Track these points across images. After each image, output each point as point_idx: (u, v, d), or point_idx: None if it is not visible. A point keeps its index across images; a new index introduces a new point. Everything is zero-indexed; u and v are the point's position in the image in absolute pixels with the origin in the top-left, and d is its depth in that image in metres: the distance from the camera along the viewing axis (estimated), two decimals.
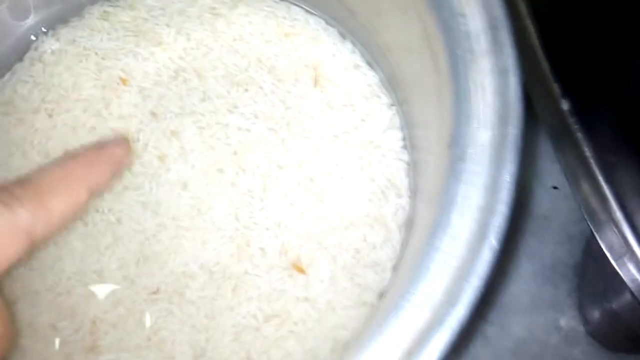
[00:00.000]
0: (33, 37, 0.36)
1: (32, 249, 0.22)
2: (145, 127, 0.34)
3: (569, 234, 0.35)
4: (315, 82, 0.34)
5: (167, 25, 0.36)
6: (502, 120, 0.20)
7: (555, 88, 0.28)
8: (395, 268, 0.30)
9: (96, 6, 0.37)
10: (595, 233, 0.26)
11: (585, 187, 0.26)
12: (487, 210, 0.20)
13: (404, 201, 0.31)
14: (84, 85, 0.35)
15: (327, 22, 0.35)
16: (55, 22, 0.37)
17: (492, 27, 0.21)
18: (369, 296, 0.30)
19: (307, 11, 0.36)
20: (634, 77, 0.27)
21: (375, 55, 0.34)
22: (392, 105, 0.33)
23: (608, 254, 0.25)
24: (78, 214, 0.25)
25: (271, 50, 0.35)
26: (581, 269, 0.34)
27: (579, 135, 0.26)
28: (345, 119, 0.33)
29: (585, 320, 0.34)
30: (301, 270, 0.30)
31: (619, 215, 0.25)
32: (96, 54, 0.36)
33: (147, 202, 0.32)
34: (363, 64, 0.34)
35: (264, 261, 0.30)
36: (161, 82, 0.35)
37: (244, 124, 0.33)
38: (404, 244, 0.30)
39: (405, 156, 0.32)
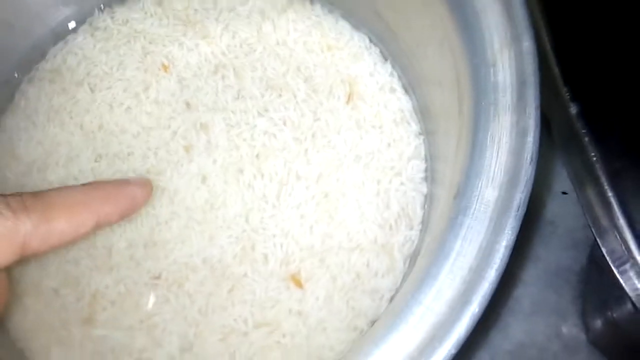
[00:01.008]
0: (89, 13, 0.37)
1: (21, 260, 0.22)
2: (177, 116, 0.35)
3: (575, 240, 0.35)
4: (349, 98, 0.34)
5: (216, 20, 0.36)
6: (511, 182, 0.20)
7: (565, 92, 0.28)
8: (393, 299, 0.30)
9: None
10: (597, 239, 0.25)
11: (590, 192, 0.26)
12: (477, 273, 0.19)
13: (414, 234, 0.31)
14: (128, 65, 0.36)
15: (370, 41, 0.35)
16: (112, 0, 0.38)
17: (521, 83, 0.21)
18: (361, 322, 0.30)
19: (354, 27, 0.36)
20: None
21: (411, 81, 0.33)
22: (420, 134, 0.33)
23: (609, 261, 0.25)
24: (78, 240, 0.25)
25: (311, 60, 0.35)
26: (585, 276, 0.34)
27: (586, 139, 0.26)
28: (372, 140, 0.33)
29: (587, 329, 0.33)
30: (299, 284, 0.30)
31: (622, 222, 0.25)
32: (144, 37, 0.37)
33: (166, 188, 0.33)
34: (399, 88, 0.34)
35: (264, 268, 0.31)
36: (200, 75, 0.35)
37: (271, 128, 0.34)
38: (407, 276, 0.30)
39: (424, 188, 0.32)
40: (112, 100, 0.35)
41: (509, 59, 0.21)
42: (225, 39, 0.36)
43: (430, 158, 0.32)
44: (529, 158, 0.20)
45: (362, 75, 0.34)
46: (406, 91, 0.34)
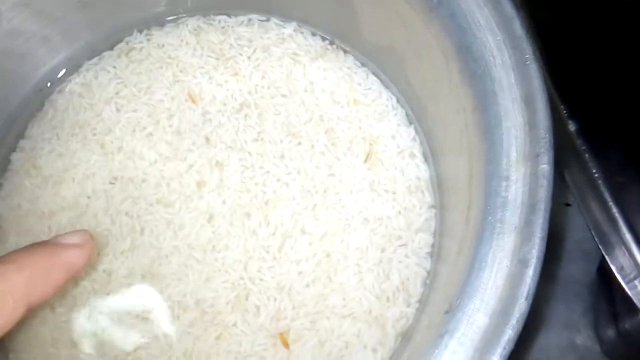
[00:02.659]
0: (128, 32, 0.38)
1: None
2: (195, 149, 0.35)
3: (582, 252, 0.34)
4: (367, 157, 0.34)
5: (248, 58, 0.36)
6: (503, 314, 0.19)
7: (562, 110, 0.28)
8: None
9: (193, 19, 0.38)
10: (605, 255, 0.25)
11: (595, 208, 0.26)
12: None
13: (410, 311, 0.30)
14: (156, 91, 0.36)
15: (398, 101, 0.34)
16: (152, 23, 0.38)
17: (530, 206, 0.20)
18: None
19: (384, 84, 0.35)
20: None
21: (433, 150, 0.33)
22: (433, 207, 0.32)
23: (618, 276, 0.25)
24: (9, 328, 0.22)
25: (335, 112, 0.35)
26: (595, 288, 0.33)
27: (587, 156, 0.26)
28: (383, 205, 0.32)
29: (601, 340, 0.33)
30: (285, 344, 0.30)
31: (628, 237, 0.25)
32: (177, 65, 0.37)
33: (172, 221, 0.33)
34: (419, 155, 0.33)
35: (255, 320, 0.31)
36: (224, 111, 0.36)
37: (285, 177, 0.33)
38: (396, 355, 0.29)
39: (428, 264, 0.31)
40: (136, 123, 0.36)
41: (523, 177, 0.20)
42: (255, 79, 0.36)
43: (440, 234, 0.31)
44: (524, 293, 0.19)
45: (384, 136, 0.34)
46: (426, 159, 0.33)
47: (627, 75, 0.27)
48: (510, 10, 0.23)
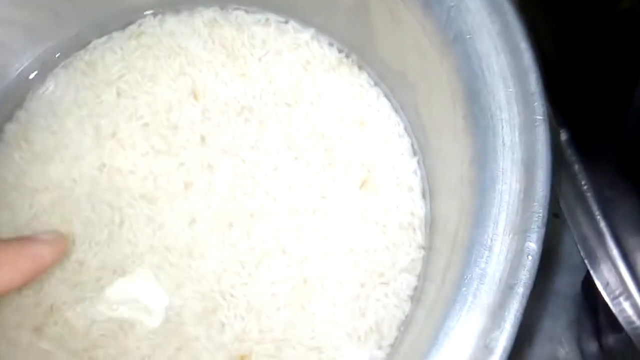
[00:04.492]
0: (141, 14, 0.37)
1: None
2: (189, 147, 0.33)
3: (568, 264, 0.34)
4: (363, 184, 0.32)
5: (259, 60, 0.35)
6: None
7: (554, 118, 0.27)
8: None
9: (209, 10, 0.37)
10: (591, 270, 0.25)
11: (582, 221, 0.26)
12: None
13: (381, 355, 0.28)
14: (159, 81, 0.35)
15: (405, 129, 0.33)
16: (167, 7, 0.37)
17: (508, 286, 0.18)
18: None
19: (394, 108, 0.33)
20: (630, 120, 0.26)
21: (432, 188, 0.31)
22: (422, 248, 0.30)
23: (603, 293, 0.24)
24: None
25: (339, 131, 0.33)
26: (579, 301, 0.33)
27: (576, 167, 0.26)
28: (370, 237, 0.31)
29: (583, 354, 0.33)
30: None
31: (615, 252, 0.24)
32: (185, 56, 0.35)
33: (153, 219, 0.32)
34: (417, 190, 0.31)
35: (218, 337, 0.29)
36: (225, 112, 0.34)
37: (275, 191, 0.32)
38: None
39: (407, 308, 0.29)
40: (134, 111, 0.35)
41: (507, 251, 0.19)
42: (262, 82, 0.34)
43: (425, 277, 0.29)
44: None
45: (384, 165, 0.32)
46: (423, 196, 0.31)
47: (621, 86, 0.26)
48: (528, 62, 0.21)
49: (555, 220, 0.34)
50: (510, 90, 0.21)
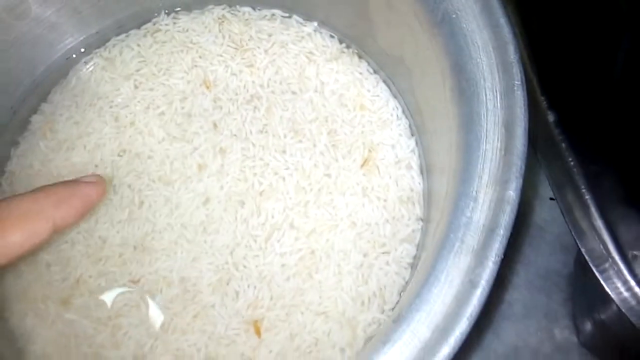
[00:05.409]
0: (156, 13, 0.39)
1: None
2: (202, 134, 0.36)
3: (563, 244, 0.36)
4: (364, 163, 0.34)
5: (265, 52, 0.37)
6: (444, 330, 0.20)
7: (542, 101, 0.29)
8: None
9: (219, 8, 0.39)
10: (577, 240, 0.26)
11: (569, 195, 0.27)
12: None
13: (383, 318, 0.30)
14: (174, 73, 0.38)
15: (403, 112, 0.35)
16: (180, 7, 0.40)
17: (490, 230, 0.20)
18: None
19: (392, 93, 0.36)
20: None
21: (429, 165, 0.33)
22: (421, 220, 0.32)
23: (589, 261, 0.26)
24: (39, 247, 0.26)
25: (341, 115, 0.35)
26: (573, 279, 0.35)
27: (563, 145, 0.28)
28: (372, 212, 0.33)
29: (578, 330, 0.34)
30: (258, 332, 0.31)
31: (599, 223, 0.26)
32: (197, 51, 0.38)
33: (170, 199, 0.34)
34: (415, 167, 0.34)
35: (232, 304, 0.32)
36: (235, 101, 0.37)
37: (283, 171, 0.34)
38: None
39: (407, 275, 0.31)
40: (151, 101, 0.37)
41: (490, 200, 0.21)
42: (269, 73, 0.37)
43: (424, 247, 0.31)
44: (468, 314, 0.19)
45: (385, 145, 0.34)
46: (421, 172, 0.33)
47: (607, 71, 0.28)
48: (507, 35, 0.23)
49: (551, 203, 0.36)
50: (492, 60, 0.23)
